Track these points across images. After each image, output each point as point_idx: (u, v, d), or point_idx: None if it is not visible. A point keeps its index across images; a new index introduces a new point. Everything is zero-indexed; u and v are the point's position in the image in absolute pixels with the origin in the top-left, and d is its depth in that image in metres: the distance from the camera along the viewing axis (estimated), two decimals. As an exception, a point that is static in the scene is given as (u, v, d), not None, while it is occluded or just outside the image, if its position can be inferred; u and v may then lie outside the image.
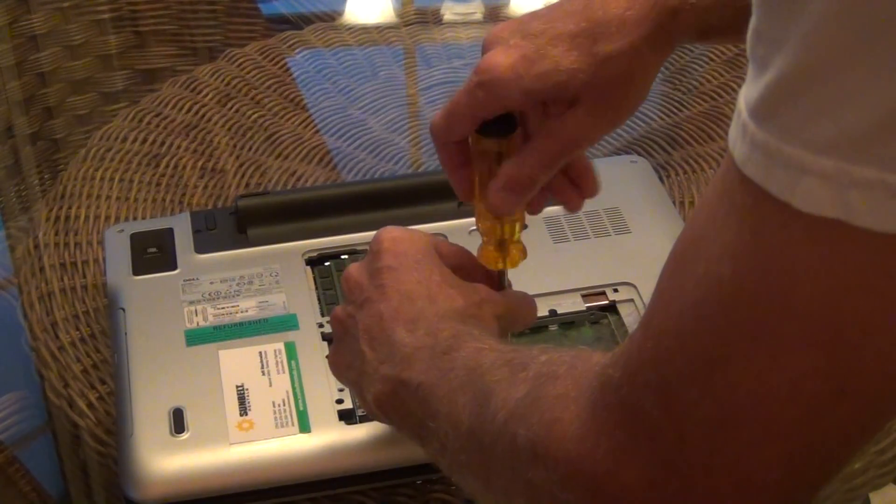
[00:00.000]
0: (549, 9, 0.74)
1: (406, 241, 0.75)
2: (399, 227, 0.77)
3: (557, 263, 0.94)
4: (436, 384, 0.66)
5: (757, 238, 0.46)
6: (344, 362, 0.75)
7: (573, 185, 0.78)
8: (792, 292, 0.45)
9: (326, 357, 0.86)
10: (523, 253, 0.77)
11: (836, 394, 0.46)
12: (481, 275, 0.77)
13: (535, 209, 0.78)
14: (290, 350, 0.87)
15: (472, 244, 0.95)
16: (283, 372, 0.85)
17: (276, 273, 0.93)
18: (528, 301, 0.78)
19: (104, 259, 0.98)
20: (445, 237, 0.96)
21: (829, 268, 0.44)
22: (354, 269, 0.76)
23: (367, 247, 0.94)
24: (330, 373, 0.85)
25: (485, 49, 0.74)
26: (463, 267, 0.77)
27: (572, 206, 0.79)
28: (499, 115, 0.73)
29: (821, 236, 0.44)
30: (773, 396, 0.47)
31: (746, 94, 0.45)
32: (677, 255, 0.51)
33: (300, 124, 1.19)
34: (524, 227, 0.76)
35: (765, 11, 0.45)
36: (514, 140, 0.73)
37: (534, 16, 0.74)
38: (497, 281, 0.77)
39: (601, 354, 0.56)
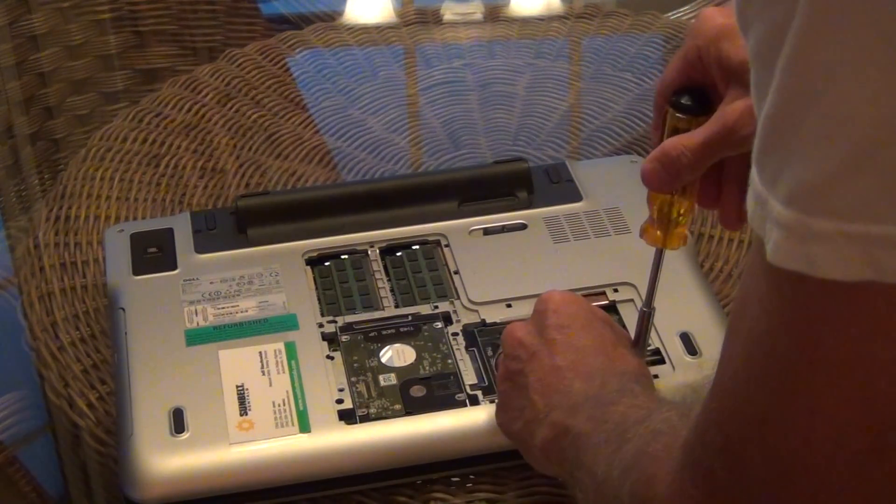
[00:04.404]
0: None
1: (573, 303, 0.79)
2: (563, 291, 0.81)
3: (557, 263, 0.94)
4: (588, 435, 0.69)
5: (779, 292, 0.46)
6: (511, 415, 0.78)
7: (740, 198, 0.77)
8: (817, 344, 0.45)
9: (327, 357, 0.86)
10: (684, 240, 0.77)
11: (878, 447, 0.46)
12: None
13: (728, 221, 0.78)
14: (290, 350, 0.87)
15: (472, 244, 0.95)
16: (283, 372, 0.85)
17: (276, 273, 0.93)
18: None
19: (104, 259, 0.98)
20: (446, 237, 0.96)
21: (838, 318, 0.44)
22: (519, 328, 0.79)
23: (366, 246, 0.95)
24: (330, 373, 0.85)
25: None
26: None
27: (727, 222, 0.78)
28: (699, 92, 0.73)
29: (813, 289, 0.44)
30: (819, 452, 0.47)
31: (754, 146, 0.46)
32: (732, 315, 0.52)
33: (300, 124, 1.19)
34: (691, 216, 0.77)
35: (755, 67, 0.45)
36: (697, 123, 0.73)
37: None
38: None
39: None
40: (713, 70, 0.72)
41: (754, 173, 0.45)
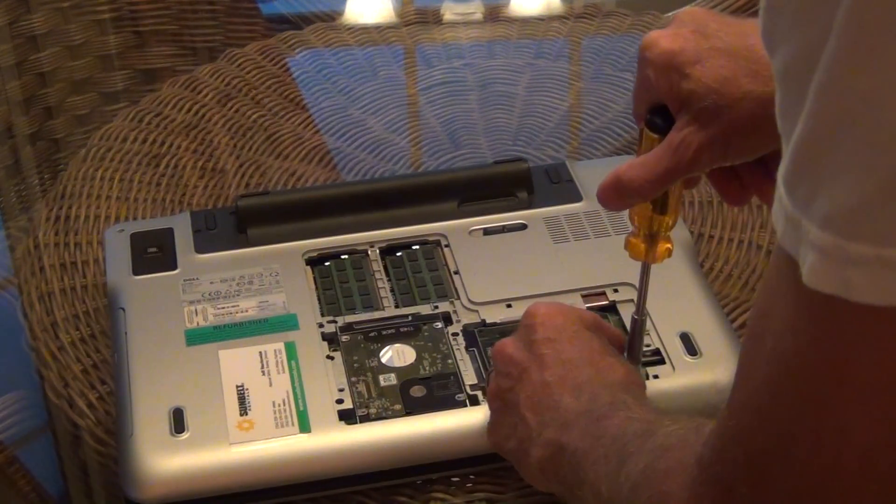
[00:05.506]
0: (731, 19, 0.73)
1: (559, 314, 0.79)
2: (548, 302, 0.81)
3: (557, 263, 0.94)
4: (586, 451, 0.69)
5: (810, 312, 0.46)
6: (503, 433, 0.78)
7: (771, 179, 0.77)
8: (848, 365, 0.46)
9: (327, 357, 0.87)
10: (669, 252, 0.77)
11: None
12: (617, 345, 0.80)
13: (733, 200, 0.78)
14: (290, 350, 0.87)
15: (472, 244, 0.95)
16: (283, 372, 0.85)
17: (276, 273, 0.93)
18: None
19: (104, 259, 0.98)
20: (446, 237, 0.96)
21: (871, 340, 0.45)
22: (508, 343, 0.79)
23: (366, 246, 0.95)
24: (330, 373, 0.85)
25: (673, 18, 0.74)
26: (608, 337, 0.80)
27: (765, 199, 0.78)
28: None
29: (843, 312, 0.44)
30: (847, 470, 0.47)
31: (782, 166, 0.46)
32: (750, 330, 0.52)
33: (300, 124, 1.19)
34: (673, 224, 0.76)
35: (783, 87, 0.45)
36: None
37: (716, 16, 0.73)
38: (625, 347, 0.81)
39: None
40: (666, 99, 0.71)
41: (783, 194, 0.45)
